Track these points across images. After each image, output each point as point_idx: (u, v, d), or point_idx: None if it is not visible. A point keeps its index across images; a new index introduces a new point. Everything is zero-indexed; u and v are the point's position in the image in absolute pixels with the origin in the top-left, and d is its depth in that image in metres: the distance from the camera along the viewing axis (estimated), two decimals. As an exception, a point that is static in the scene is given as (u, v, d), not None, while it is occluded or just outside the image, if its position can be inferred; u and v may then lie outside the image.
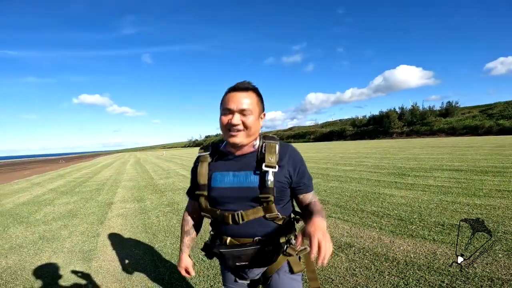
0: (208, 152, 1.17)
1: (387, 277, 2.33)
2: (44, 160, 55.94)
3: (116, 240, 3.81)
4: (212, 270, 2.69)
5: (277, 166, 1.03)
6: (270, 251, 1.04)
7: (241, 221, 1.04)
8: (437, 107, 71.02)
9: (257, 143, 1.12)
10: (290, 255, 1.09)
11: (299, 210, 1.19)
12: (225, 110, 1.04)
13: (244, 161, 1.09)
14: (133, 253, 3.28)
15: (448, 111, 67.14)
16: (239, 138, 1.03)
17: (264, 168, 1.02)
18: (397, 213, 4.06)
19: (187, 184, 8.19)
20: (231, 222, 1.05)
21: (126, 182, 10.04)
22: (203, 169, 1.12)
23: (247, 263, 1.05)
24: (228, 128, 1.03)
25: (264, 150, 1.07)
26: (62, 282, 2.71)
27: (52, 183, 11.38)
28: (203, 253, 1.16)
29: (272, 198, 1.02)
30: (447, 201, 4.52)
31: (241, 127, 1.02)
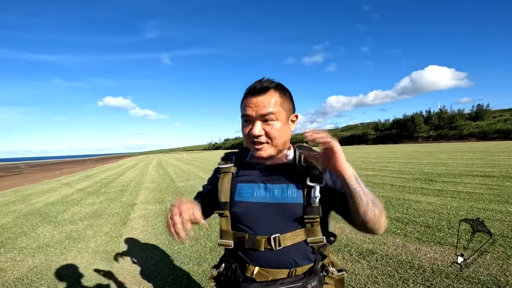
0: (232, 164, 0.97)
1: (411, 285, 2.21)
2: (73, 161, 58.54)
3: (137, 241, 3.89)
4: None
5: (323, 181, 0.86)
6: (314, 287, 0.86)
7: (277, 247, 0.84)
8: (467, 110, 67.90)
9: (291, 153, 0.95)
10: (327, 283, 0.93)
11: (332, 231, 0.98)
12: (244, 117, 0.87)
13: (279, 172, 0.90)
14: (153, 255, 3.33)
15: (478, 114, 64.01)
16: (266, 151, 0.87)
17: (308, 183, 0.84)
18: (424, 219, 3.87)
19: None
20: (263, 248, 0.85)
21: (149, 183, 10.29)
22: (225, 184, 0.93)
23: None
24: (250, 140, 0.87)
25: (305, 161, 0.89)
26: (85, 282, 2.76)
27: (80, 183, 11.87)
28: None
29: (318, 219, 0.85)
30: (478, 208, 4.26)
31: (264, 138, 0.85)
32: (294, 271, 0.85)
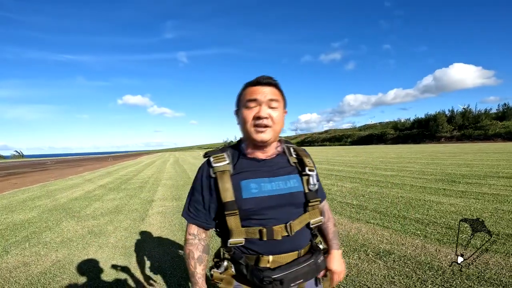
0: (226, 162, 0.95)
1: (430, 286, 2.15)
2: (95, 158, 60.33)
3: (155, 237, 3.98)
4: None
5: (315, 169, 1.01)
6: (322, 261, 0.97)
7: (292, 233, 0.91)
8: (494, 110, 64.76)
9: (280, 146, 1.04)
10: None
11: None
12: (250, 102, 0.92)
13: (275, 166, 0.97)
14: (169, 251, 3.39)
15: (505, 114, 60.91)
16: (267, 134, 0.91)
17: (307, 171, 0.97)
18: (445, 221, 3.75)
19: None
20: (280, 237, 0.90)
21: (166, 180, 10.50)
22: (226, 184, 0.91)
23: (302, 280, 0.91)
24: (254, 123, 0.91)
25: (295, 153, 1.02)
26: (104, 277, 2.80)
27: (102, 179, 12.26)
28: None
29: (319, 202, 0.99)
30: (503, 210, 4.08)
31: (269, 122, 0.91)
32: (300, 252, 0.95)
